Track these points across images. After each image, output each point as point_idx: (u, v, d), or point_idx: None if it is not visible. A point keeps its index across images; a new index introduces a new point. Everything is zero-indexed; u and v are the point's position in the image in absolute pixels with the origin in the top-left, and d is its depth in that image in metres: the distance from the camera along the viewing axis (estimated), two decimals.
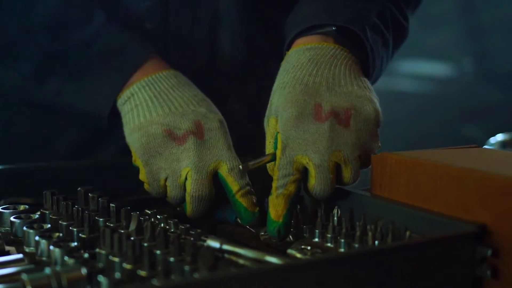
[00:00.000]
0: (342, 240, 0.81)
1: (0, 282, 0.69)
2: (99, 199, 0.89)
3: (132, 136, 0.94)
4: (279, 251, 0.81)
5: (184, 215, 0.92)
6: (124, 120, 0.97)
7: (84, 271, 0.67)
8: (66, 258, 0.73)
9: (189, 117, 0.93)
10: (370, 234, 0.78)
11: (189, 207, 0.91)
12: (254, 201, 0.90)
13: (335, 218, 0.85)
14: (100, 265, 0.72)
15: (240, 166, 0.90)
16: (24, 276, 0.65)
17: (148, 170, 0.92)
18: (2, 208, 0.89)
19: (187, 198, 0.90)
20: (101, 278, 0.66)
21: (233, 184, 0.90)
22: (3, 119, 1.17)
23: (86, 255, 0.74)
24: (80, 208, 0.86)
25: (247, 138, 1.01)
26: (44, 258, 0.77)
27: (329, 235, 0.83)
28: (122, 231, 0.82)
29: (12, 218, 0.86)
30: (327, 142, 0.85)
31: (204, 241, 0.79)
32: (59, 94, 1.04)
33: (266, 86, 0.97)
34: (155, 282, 0.67)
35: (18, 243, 0.83)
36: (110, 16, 1.06)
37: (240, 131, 1.00)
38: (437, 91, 3.80)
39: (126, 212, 0.86)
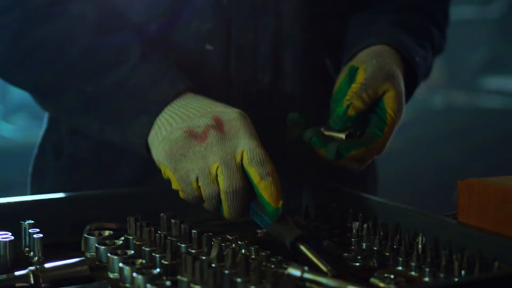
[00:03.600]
0: (427, 269, 0.78)
1: None
2: (181, 224, 0.90)
3: (158, 150, 0.94)
4: (361, 279, 0.79)
5: (266, 241, 0.92)
6: (152, 148, 0.97)
7: None
8: (148, 285, 0.73)
9: (207, 115, 0.93)
10: (456, 263, 0.76)
11: (225, 205, 0.90)
12: (277, 193, 0.87)
13: (420, 246, 0.83)
14: None
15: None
16: None
17: (178, 177, 0.91)
18: (87, 234, 0.91)
19: (222, 196, 0.89)
20: None
21: (254, 174, 0.88)
22: (70, 144, 1.19)
23: (168, 282, 0.74)
24: (162, 234, 0.87)
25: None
26: (127, 285, 0.78)
27: (413, 264, 0.81)
28: (204, 257, 0.82)
29: (97, 244, 0.87)
30: None
31: (285, 268, 0.78)
32: (101, 133, 1.05)
33: (326, 103, 1.00)
34: None
35: (103, 268, 0.85)
36: (169, 39, 1.07)
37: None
38: None
39: (207, 238, 0.86)
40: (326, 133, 0.97)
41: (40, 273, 0.79)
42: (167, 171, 0.93)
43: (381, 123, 0.97)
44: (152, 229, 0.88)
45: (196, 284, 0.73)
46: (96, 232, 0.91)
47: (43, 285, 0.78)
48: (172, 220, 0.91)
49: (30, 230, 0.88)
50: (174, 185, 0.93)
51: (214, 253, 0.82)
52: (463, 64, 4.00)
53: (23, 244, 0.90)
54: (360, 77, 0.98)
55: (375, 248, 0.87)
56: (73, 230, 0.96)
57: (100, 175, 1.18)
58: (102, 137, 1.07)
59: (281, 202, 0.87)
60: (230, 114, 0.93)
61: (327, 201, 1.02)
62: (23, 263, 0.85)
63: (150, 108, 0.98)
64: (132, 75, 1.01)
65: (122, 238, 0.90)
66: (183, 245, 0.87)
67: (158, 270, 0.78)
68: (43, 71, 1.06)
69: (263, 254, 0.83)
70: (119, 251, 0.84)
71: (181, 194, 0.93)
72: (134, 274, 0.76)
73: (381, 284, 0.77)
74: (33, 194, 1.20)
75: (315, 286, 0.75)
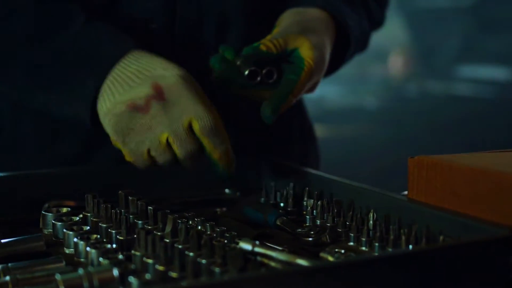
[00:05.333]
0: (376, 244, 0.80)
1: (37, 282, 0.71)
2: (138, 202, 0.91)
3: (104, 122, 0.95)
4: (313, 254, 0.81)
5: (224, 218, 0.94)
6: (100, 118, 0.97)
7: (115, 272, 0.68)
8: (101, 259, 0.74)
9: (146, 82, 0.93)
10: (403, 238, 0.78)
11: (183, 165, 0.93)
12: (231, 161, 0.92)
13: (371, 222, 0.85)
14: (133, 266, 0.73)
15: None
16: (57, 276, 0.67)
17: (128, 149, 0.92)
18: (45, 211, 0.92)
19: (179, 160, 0.92)
20: (131, 279, 0.68)
21: (208, 144, 0.91)
22: (10, 120, 1.17)
23: (121, 256, 0.76)
24: (119, 211, 0.88)
25: (254, 136, 1.09)
26: (82, 259, 0.80)
27: (363, 239, 0.83)
28: (159, 233, 0.83)
29: (53, 221, 0.88)
30: None
31: (237, 243, 0.79)
32: (46, 105, 1.04)
33: None
34: (184, 283, 0.68)
35: (59, 244, 0.86)
36: (112, 18, 1.06)
37: (245, 130, 1.06)
38: (496, 95, 3.73)
39: (162, 214, 0.87)
40: (237, 60, 0.99)
41: None
42: (117, 144, 0.93)
43: (298, 69, 0.98)
44: (109, 205, 0.89)
45: (148, 258, 0.74)
46: (54, 209, 0.92)
47: None
48: (130, 197, 0.92)
49: None
50: (126, 158, 0.93)
51: (168, 228, 0.83)
52: (437, 53, 4.03)
53: None
54: (276, 29, 1.02)
55: (328, 224, 0.89)
56: (32, 208, 0.97)
57: (40, 152, 1.16)
58: (48, 109, 1.05)
59: (233, 166, 0.92)
60: (169, 79, 0.92)
61: (285, 180, 1.04)
62: None
63: (95, 71, 0.97)
64: (76, 40, 1.00)
65: (80, 215, 0.91)
66: (139, 222, 0.88)
67: (114, 245, 0.79)
68: None
69: (218, 230, 0.85)
70: (75, 227, 0.85)
71: (132, 161, 0.94)
72: (88, 249, 0.77)
73: (330, 258, 0.78)
74: None
75: (265, 259, 0.77)
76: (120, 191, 0.94)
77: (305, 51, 0.98)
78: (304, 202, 0.97)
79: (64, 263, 0.76)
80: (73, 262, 0.79)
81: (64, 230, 0.84)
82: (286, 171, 1.08)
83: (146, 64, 0.95)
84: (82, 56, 0.99)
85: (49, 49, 1.01)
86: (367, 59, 3.91)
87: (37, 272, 0.73)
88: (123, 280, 0.69)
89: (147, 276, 0.71)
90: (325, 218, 0.91)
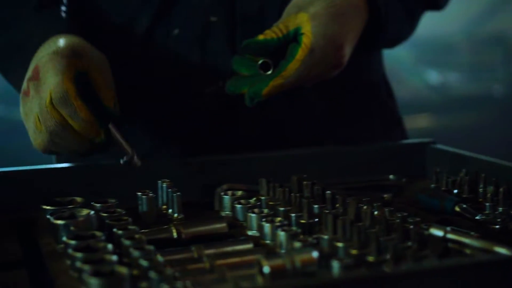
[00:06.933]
0: None
1: (233, 262, 0.72)
2: (314, 186, 0.91)
3: None
4: (507, 241, 0.78)
5: (395, 204, 0.92)
6: None
7: (315, 254, 0.68)
8: (292, 242, 0.74)
9: (31, 67, 0.93)
10: None
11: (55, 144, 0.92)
12: (91, 129, 0.89)
13: None
14: (326, 249, 0.73)
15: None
16: (261, 257, 0.68)
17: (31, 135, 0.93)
18: (221, 194, 0.93)
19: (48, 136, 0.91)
20: (333, 262, 0.67)
21: (66, 115, 0.88)
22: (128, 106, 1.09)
23: (310, 239, 0.76)
24: (296, 195, 0.88)
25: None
26: (268, 241, 0.80)
27: None
28: (341, 217, 0.83)
29: (233, 203, 0.89)
30: None
31: (426, 229, 0.78)
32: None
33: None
34: (385, 268, 0.67)
35: (239, 226, 0.87)
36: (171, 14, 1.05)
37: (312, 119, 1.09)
38: None
39: (342, 199, 0.86)
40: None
41: (182, 228, 0.82)
42: None
43: (297, 47, 0.94)
44: (287, 189, 0.89)
45: (338, 241, 0.73)
46: (230, 192, 0.93)
47: (184, 240, 0.81)
48: (304, 182, 0.92)
49: (169, 189, 0.90)
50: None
51: (351, 212, 0.83)
52: None
53: (160, 202, 0.92)
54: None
55: None
56: (202, 191, 0.99)
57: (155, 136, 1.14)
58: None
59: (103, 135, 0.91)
60: (44, 57, 0.91)
61: (450, 166, 1.01)
62: (163, 219, 0.88)
63: (25, 62, 0.96)
64: (11, 29, 1.01)
65: (254, 198, 0.92)
66: (315, 206, 0.88)
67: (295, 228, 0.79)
68: None
69: (399, 215, 0.83)
70: (256, 210, 0.86)
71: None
72: (277, 231, 0.77)
73: None
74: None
75: (458, 246, 0.75)
76: (293, 176, 0.94)
77: (304, 27, 0.94)
78: (480, 189, 0.94)
79: (252, 244, 0.77)
80: (259, 244, 0.80)
81: (247, 212, 0.85)
82: (452, 157, 1.05)
83: (46, 48, 0.94)
84: (17, 47, 1.00)
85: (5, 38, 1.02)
86: (491, 45, 3.78)
87: (230, 253, 0.74)
88: (320, 262, 0.69)
89: (347, 260, 0.70)
90: (507, 205, 0.88)
